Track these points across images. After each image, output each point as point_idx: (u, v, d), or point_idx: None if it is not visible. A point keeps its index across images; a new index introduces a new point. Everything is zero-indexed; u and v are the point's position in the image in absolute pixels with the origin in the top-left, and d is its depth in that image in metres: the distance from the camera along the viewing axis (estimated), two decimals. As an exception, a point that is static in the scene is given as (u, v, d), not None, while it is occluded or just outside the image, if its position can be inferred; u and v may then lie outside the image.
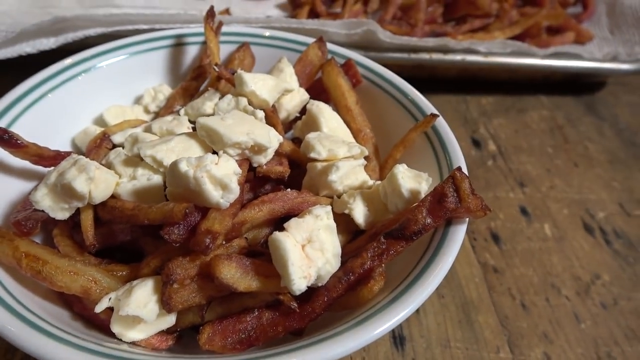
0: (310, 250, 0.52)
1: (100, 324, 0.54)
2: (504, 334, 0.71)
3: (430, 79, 1.16)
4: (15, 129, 0.64)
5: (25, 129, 0.66)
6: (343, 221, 0.63)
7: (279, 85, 0.74)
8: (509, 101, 1.17)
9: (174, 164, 0.53)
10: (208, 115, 0.65)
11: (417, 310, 0.72)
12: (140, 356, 0.47)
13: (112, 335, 0.52)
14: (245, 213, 0.57)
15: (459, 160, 0.67)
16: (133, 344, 0.54)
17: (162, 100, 0.82)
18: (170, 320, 0.53)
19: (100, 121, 0.79)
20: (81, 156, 0.57)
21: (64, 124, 0.76)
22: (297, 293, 0.50)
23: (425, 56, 1.05)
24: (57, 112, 0.75)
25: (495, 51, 1.07)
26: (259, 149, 0.62)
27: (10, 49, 0.82)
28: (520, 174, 0.98)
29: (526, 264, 0.81)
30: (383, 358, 0.66)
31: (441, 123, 0.72)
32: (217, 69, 0.75)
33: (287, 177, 0.67)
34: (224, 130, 0.59)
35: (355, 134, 0.76)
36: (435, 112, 0.72)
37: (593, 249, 0.85)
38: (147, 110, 0.82)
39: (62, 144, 0.74)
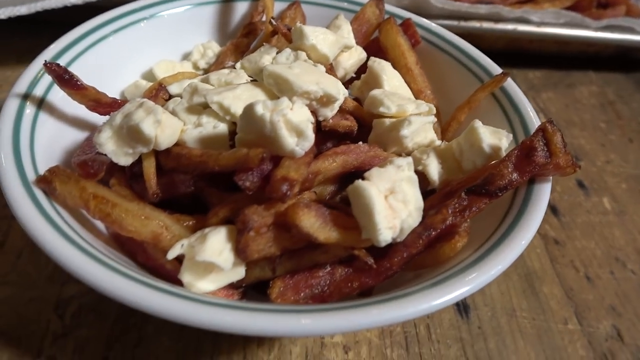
0: (393, 202, 0.49)
1: (167, 275, 0.51)
2: (571, 305, 0.68)
3: (476, 51, 1.12)
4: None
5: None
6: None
7: (339, 41, 0.70)
8: (557, 76, 1.13)
9: (250, 107, 0.50)
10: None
11: (480, 279, 0.69)
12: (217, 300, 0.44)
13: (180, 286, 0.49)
14: (319, 163, 0.54)
15: (533, 121, 0.64)
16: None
17: (211, 57, 0.79)
18: (240, 272, 0.51)
19: (149, 76, 0.76)
20: (146, 99, 0.54)
21: (112, 77, 0.73)
22: (383, 244, 0.47)
23: (475, 24, 1.01)
24: (104, 65, 0.72)
25: (547, 21, 1.03)
26: (327, 100, 0.58)
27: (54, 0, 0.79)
28: (574, 147, 0.94)
29: (587, 237, 0.78)
30: (448, 325, 0.63)
31: (510, 83, 0.69)
32: (274, 22, 0.71)
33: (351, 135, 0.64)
34: (294, 78, 0.56)
35: (416, 95, 0.73)
36: (504, 71, 0.69)
37: (655, 224, 0.81)
38: (196, 67, 0.79)
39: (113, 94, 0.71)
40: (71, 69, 0.65)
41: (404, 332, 0.62)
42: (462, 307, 0.66)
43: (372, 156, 0.57)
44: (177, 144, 0.55)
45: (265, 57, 0.69)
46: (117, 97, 0.73)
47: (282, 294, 0.50)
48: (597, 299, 0.69)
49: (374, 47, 0.80)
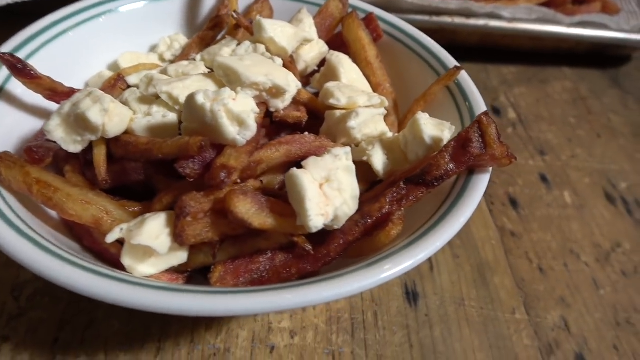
0: (328, 190, 0.50)
1: (110, 259, 0.53)
2: (520, 295, 0.69)
3: (450, 45, 1.11)
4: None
5: (39, 67, 0.66)
6: (361, 170, 0.60)
7: (298, 34, 0.72)
8: (531, 72, 1.14)
9: (191, 97, 0.51)
10: (226, 58, 0.63)
11: (431, 268, 0.71)
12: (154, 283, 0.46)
13: (123, 270, 0.51)
14: (262, 152, 0.55)
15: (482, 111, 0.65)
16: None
17: (177, 49, 0.81)
18: (181, 256, 0.52)
19: (114, 67, 0.77)
20: (96, 89, 0.56)
21: (78, 68, 0.74)
22: (314, 230, 0.48)
23: (447, 19, 1.02)
24: (71, 55, 0.73)
25: (519, 17, 1.04)
26: (277, 91, 0.60)
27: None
28: (541, 142, 0.95)
29: (544, 230, 0.79)
30: (395, 312, 0.65)
31: (464, 77, 0.70)
32: (235, 16, 0.73)
33: (305, 127, 0.66)
34: (243, 69, 0.57)
35: (375, 88, 0.74)
36: (458, 65, 0.70)
37: (614, 218, 0.82)
38: (162, 59, 0.80)
39: (75, 86, 0.73)
40: (36, 58, 0.67)
41: (351, 319, 0.64)
42: (411, 295, 0.67)
43: (318, 146, 0.59)
44: (126, 133, 0.57)
45: (225, 50, 0.71)
46: (82, 87, 0.75)
47: (222, 278, 0.52)
48: (547, 290, 0.71)
49: (337, 41, 0.81)
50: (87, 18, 0.75)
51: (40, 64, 0.64)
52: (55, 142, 0.54)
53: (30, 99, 0.63)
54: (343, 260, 0.55)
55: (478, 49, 1.14)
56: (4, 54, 0.55)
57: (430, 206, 0.55)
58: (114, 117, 0.54)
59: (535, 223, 0.80)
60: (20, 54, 0.65)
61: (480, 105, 0.66)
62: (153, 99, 0.60)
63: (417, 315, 0.65)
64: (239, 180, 0.54)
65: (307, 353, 0.60)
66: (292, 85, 0.62)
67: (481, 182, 0.54)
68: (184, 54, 0.79)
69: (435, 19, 1.02)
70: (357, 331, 0.62)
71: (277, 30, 0.69)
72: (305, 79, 0.79)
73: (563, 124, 1.00)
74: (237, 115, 0.52)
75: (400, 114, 0.75)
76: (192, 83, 0.59)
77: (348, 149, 0.54)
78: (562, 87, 1.10)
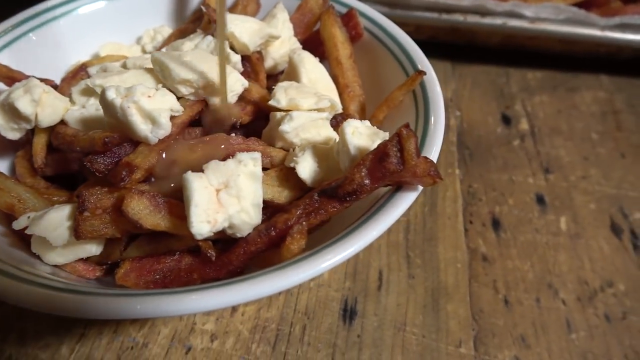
0: (224, 196, 0.48)
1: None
2: (473, 328, 0.63)
3: (470, 45, 1.04)
4: (4, 56, 0.68)
5: (19, 56, 0.70)
6: (293, 176, 0.58)
7: (262, 31, 0.69)
8: (560, 78, 1.02)
9: (103, 92, 0.51)
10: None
11: (379, 286, 0.66)
12: (42, 279, 0.47)
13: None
14: (177, 152, 0.54)
15: (439, 125, 0.59)
16: (58, 268, 0.54)
17: (159, 41, 0.81)
18: (90, 249, 0.53)
19: (95, 57, 0.80)
20: (35, 79, 0.58)
21: (64, 56, 0.78)
22: (198, 237, 0.47)
23: (459, 18, 0.94)
24: (60, 43, 0.77)
25: (544, 17, 0.93)
26: (212, 89, 0.59)
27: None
28: (549, 158, 0.85)
29: (524, 257, 0.71)
30: (326, 328, 0.61)
31: (431, 82, 0.64)
32: (204, 9, 0.72)
33: (254, 128, 0.64)
34: (174, 65, 0.57)
35: (342, 90, 0.70)
36: (426, 68, 0.64)
37: (614, 252, 0.71)
38: (144, 50, 0.82)
39: (57, 75, 0.76)
40: (16, 44, 0.72)
41: (277, 329, 0.61)
42: (348, 312, 0.63)
43: (244, 149, 0.56)
44: (62, 123, 0.58)
45: (187, 44, 0.70)
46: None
47: (126, 275, 0.52)
48: (507, 326, 0.63)
49: (317, 38, 0.77)
50: (78, 6, 0.78)
51: (28, 48, 0.69)
52: (-5, 128, 0.57)
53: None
54: (254, 269, 0.52)
55: (501, 50, 1.04)
56: (-43, 43, 0.59)
57: (347, 222, 0.51)
58: (46, 108, 0.56)
59: (515, 249, 0.72)
60: (2, 41, 0.70)
61: (438, 115, 0.60)
62: (94, 91, 0.61)
63: (348, 335, 0.61)
64: (152, 179, 0.54)
65: (221, 359, 0.58)
66: (239, 83, 0.60)
67: (401, 201, 0.49)
68: (163, 46, 0.80)
69: (445, 16, 0.94)
70: (280, 343, 0.60)
71: (238, 25, 0.68)
72: (276, 77, 0.77)
73: (582, 139, 0.89)
74: (148, 112, 0.51)
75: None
76: (129, 77, 0.59)
77: (257, 155, 0.51)
78: (593, 97, 0.98)
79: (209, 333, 0.61)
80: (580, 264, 0.70)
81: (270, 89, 0.66)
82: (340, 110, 0.64)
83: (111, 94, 0.51)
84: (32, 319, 0.60)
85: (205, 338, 0.60)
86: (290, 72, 0.70)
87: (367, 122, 0.56)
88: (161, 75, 0.59)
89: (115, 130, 0.54)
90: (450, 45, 1.04)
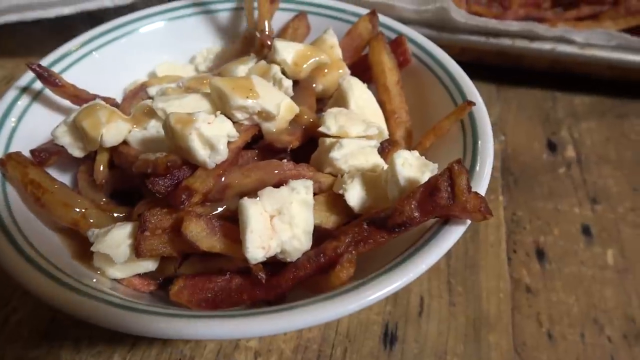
0: (277, 222, 0.50)
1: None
2: (515, 361, 0.62)
3: (516, 69, 1.03)
4: (70, 74, 0.72)
5: (83, 74, 0.74)
6: (341, 202, 0.60)
7: (313, 56, 0.71)
8: (609, 104, 1.00)
9: (167, 118, 0.54)
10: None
11: (420, 312, 0.66)
12: (102, 294, 0.50)
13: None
14: (232, 176, 0.56)
15: (486, 157, 0.59)
16: (117, 282, 0.57)
17: (212, 59, 0.85)
18: (147, 265, 0.56)
19: (152, 76, 0.84)
20: (101, 101, 0.62)
21: (123, 75, 0.82)
22: (252, 262, 0.49)
23: (506, 42, 0.94)
24: (118, 62, 0.81)
25: (594, 43, 0.91)
26: (266, 115, 0.61)
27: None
28: (596, 188, 0.84)
29: (569, 291, 0.70)
30: (367, 353, 0.62)
31: (480, 113, 0.64)
32: (258, 34, 0.75)
33: (304, 153, 0.65)
34: (231, 92, 0.59)
35: (389, 116, 0.71)
36: (474, 98, 0.64)
37: (665, 289, 0.70)
38: (197, 70, 0.85)
39: (115, 92, 0.80)
40: (81, 63, 0.76)
41: (319, 351, 0.62)
42: (389, 337, 0.64)
43: (295, 174, 0.58)
44: (124, 143, 0.62)
45: (240, 68, 0.73)
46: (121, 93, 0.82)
47: (179, 292, 0.55)
48: (551, 361, 0.62)
49: (365, 63, 0.79)
50: (140, 26, 0.82)
51: (92, 67, 0.74)
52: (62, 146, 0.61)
53: (64, 102, 0.71)
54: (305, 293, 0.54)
55: (548, 74, 1.03)
56: (32, 63, 0.63)
57: (394, 254, 0.52)
58: (111, 129, 0.59)
59: (560, 281, 0.71)
60: (69, 59, 0.74)
61: (487, 147, 0.60)
62: (155, 113, 0.64)
63: (388, 361, 0.62)
64: (207, 203, 0.56)
65: (265, 377, 0.60)
66: (284, 109, 0.62)
67: (450, 236, 0.50)
68: (216, 67, 0.83)
69: (493, 40, 0.94)
70: (321, 365, 0.61)
71: (290, 52, 0.70)
72: (324, 102, 0.78)
73: (632, 169, 0.87)
74: (208, 139, 0.53)
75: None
76: (189, 101, 0.62)
77: (309, 182, 0.53)
78: (644, 125, 0.95)
79: (253, 350, 0.62)
80: (628, 300, 0.69)
81: (318, 113, 0.68)
82: (387, 137, 0.65)
83: (172, 121, 0.53)
84: (87, 328, 0.64)
85: (249, 355, 0.62)
86: (338, 98, 0.71)
87: (416, 153, 0.57)
88: (218, 101, 0.61)
89: (177, 153, 0.56)
90: (495, 68, 1.04)
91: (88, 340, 0.63)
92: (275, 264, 0.54)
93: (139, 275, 0.58)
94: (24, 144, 0.64)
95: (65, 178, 0.69)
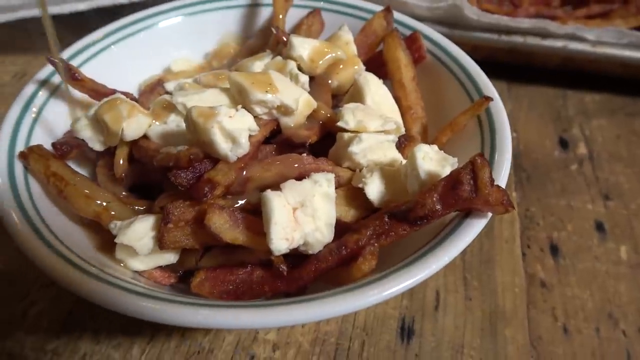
0: (300, 215, 0.50)
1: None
2: (532, 355, 0.63)
3: (527, 66, 1.04)
4: (87, 68, 0.73)
5: (101, 68, 0.75)
6: (360, 196, 0.60)
7: (329, 53, 0.72)
8: (619, 102, 1.00)
9: (189, 111, 0.55)
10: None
11: (436, 307, 0.67)
12: (125, 283, 0.50)
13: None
14: (253, 170, 0.57)
15: (504, 151, 0.59)
16: (138, 274, 0.58)
17: (226, 56, 0.85)
18: (168, 258, 0.56)
19: (168, 71, 0.84)
20: (122, 95, 0.62)
21: (139, 69, 0.83)
22: (276, 253, 0.49)
23: (518, 39, 0.94)
24: (135, 56, 0.81)
25: (606, 40, 0.92)
26: (285, 110, 0.61)
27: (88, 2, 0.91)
28: (609, 185, 0.84)
29: (583, 286, 0.70)
30: (384, 346, 0.63)
31: (497, 108, 0.65)
32: (275, 31, 0.75)
33: (321, 147, 0.66)
34: (250, 86, 0.59)
35: (404, 112, 0.72)
36: (491, 94, 0.65)
37: (679, 285, 0.70)
38: (211, 66, 0.85)
39: (131, 87, 0.81)
40: (100, 56, 0.77)
41: (336, 344, 0.63)
42: (406, 331, 0.64)
43: (314, 168, 0.59)
44: (144, 137, 0.62)
45: (257, 64, 0.74)
46: (137, 89, 0.83)
47: (201, 284, 0.55)
48: (566, 355, 0.63)
49: (380, 59, 0.79)
50: (159, 20, 0.82)
51: (110, 61, 0.75)
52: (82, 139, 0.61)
53: (82, 96, 0.72)
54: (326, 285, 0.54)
55: (559, 72, 1.04)
56: (52, 57, 0.64)
57: (416, 245, 0.53)
58: (132, 123, 0.60)
59: (575, 276, 0.71)
60: (87, 53, 0.75)
61: (505, 142, 0.60)
62: (174, 107, 0.64)
63: (406, 354, 0.62)
64: (228, 196, 0.56)
65: (283, 369, 0.61)
66: (303, 104, 0.62)
67: (472, 228, 0.50)
68: (230, 63, 0.83)
69: (505, 38, 0.95)
70: (339, 358, 0.62)
71: (306, 48, 0.70)
72: (340, 98, 0.79)
73: (643, 166, 0.87)
74: (229, 132, 0.54)
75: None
76: (208, 96, 0.62)
77: (331, 176, 0.53)
78: (654, 123, 0.96)
79: (271, 343, 0.63)
80: (642, 295, 0.69)
81: (334, 109, 0.68)
82: (404, 132, 0.66)
83: (195, 115, 0.54)
84: (106, 319, 0.64)
85: (267, 348, 0.62)
86: (354, 94, 0.72)
87: (436, 147, 0.58)
88: (237, 96, 0.62)
89: (198, 146, 0.57)
90: (507, 65, 1.04)
91: (107, 332, 0.63)
92: (296, 257, 0.55)
93: (160, 267, 0.58)
94: (43, 138, 0.64)
95: (83, 173, 0.69)
